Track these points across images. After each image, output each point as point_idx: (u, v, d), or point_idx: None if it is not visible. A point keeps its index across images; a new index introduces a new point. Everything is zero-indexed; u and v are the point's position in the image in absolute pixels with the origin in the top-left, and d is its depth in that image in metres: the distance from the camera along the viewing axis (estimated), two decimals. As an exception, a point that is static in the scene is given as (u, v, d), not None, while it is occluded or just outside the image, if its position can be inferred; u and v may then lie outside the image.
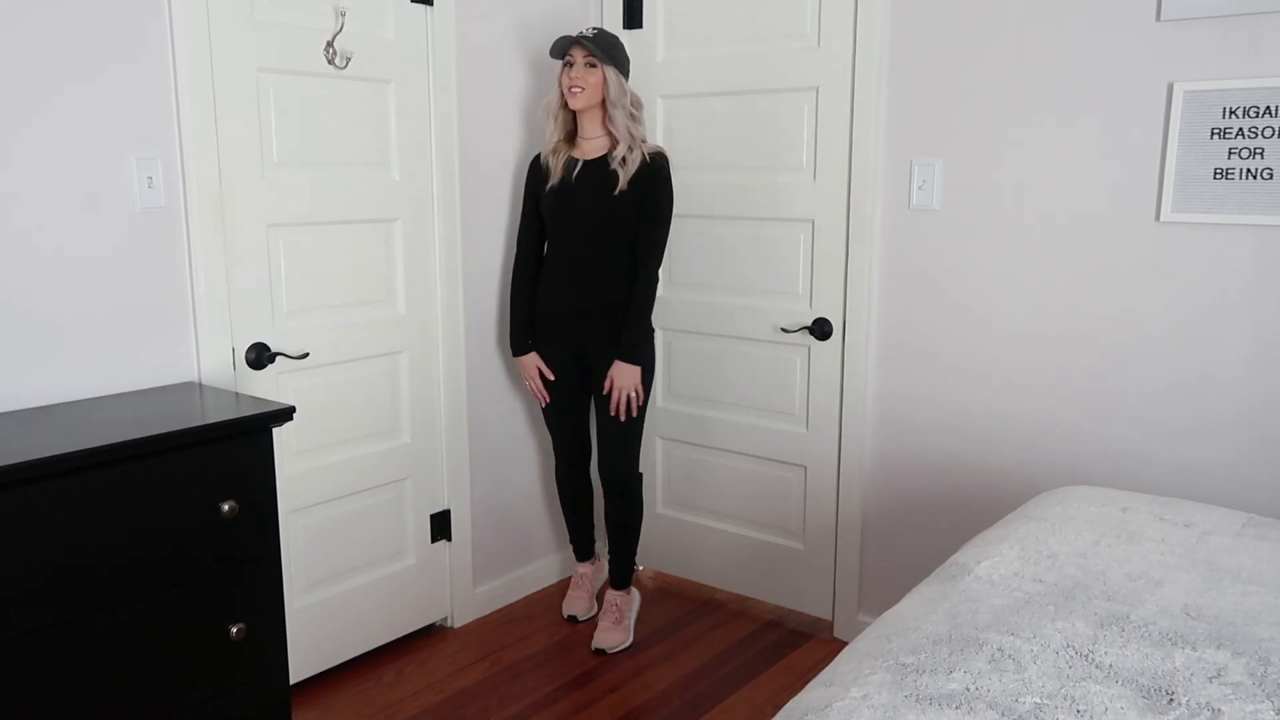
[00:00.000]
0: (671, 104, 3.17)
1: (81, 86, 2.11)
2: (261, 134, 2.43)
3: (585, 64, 2.69)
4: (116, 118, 2.17)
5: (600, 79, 2.69)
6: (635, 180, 2.72)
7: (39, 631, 1.75)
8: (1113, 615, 1.35)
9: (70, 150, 2.10)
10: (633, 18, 3.20)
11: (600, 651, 2.90)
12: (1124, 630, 1.31)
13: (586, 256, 2.81)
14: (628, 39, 3.21)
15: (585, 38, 2.68)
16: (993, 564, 1.54)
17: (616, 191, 2.72)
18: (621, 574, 3.05)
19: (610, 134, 2.76)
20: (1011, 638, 1.28)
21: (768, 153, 2.98)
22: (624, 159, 2.72)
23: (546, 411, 3.03)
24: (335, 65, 2.54)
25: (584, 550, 3.21)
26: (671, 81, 3.15)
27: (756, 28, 2.94)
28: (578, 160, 2.80)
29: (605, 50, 2.69)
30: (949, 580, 1.51)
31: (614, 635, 2.94)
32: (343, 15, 2.53)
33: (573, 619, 3.13)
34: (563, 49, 2.72)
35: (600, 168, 2.76)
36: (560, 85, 2.75)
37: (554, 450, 3.11)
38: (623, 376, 2.81)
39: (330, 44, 2.52)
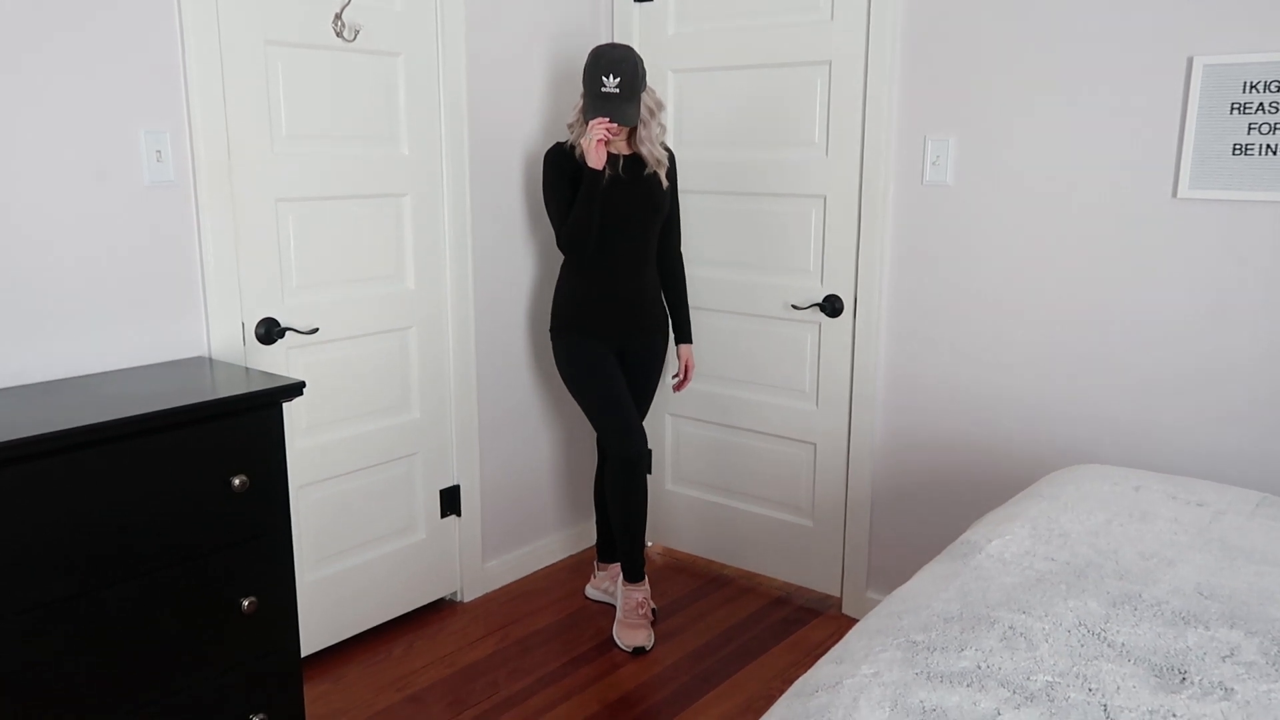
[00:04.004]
0: (683, 78, 3.14)
1: (90, 60, 2.09)
2: (270, 108, 2.41)
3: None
4: (125, 91, 2.15)
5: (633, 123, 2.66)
6: (669, 176, 2.84)
7: (52, 604, 1.76)
8: (1125, 594, 1.34)
9: (79, 124, 2.09)
10: (644, -10, 3.16)
11: (640, 650, 2.80)
12: (1136, 609, 1.30)
13: (641, 251, 2.80)
14: (639, 13, 3.18)
15: (614, 95, 2.57)
16: (1004, 543, 1.53)
17: (665, 187, 2.80)
18: (640, 564, 2.92)
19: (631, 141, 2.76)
20: (1023, 616, 1.27)
21: (779, 128, 2.95)
22: (658, 160, 2.77)
23: (603, 393, 2.80)
24: (344, 38, 2.52)
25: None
26: (682, 55, 3.11)
27: (769, 1, 2.90)
28: (619, 157, 2.73)
29: (635, 91, 2.61)
30: (960, 558, 1.51)
31: (648, 631, 2.86)
32: (351, -13, 2.51)
33: (592, 600, 3.12)
34: (595, 104, 2.60)
35: (638, 164, 2.77)
36: (587, 120, 2.62)
37: (614, 442, 2.78)
38: (692, 356, 3.04)
39: (339, 16, 2.49)
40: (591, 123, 2.58)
